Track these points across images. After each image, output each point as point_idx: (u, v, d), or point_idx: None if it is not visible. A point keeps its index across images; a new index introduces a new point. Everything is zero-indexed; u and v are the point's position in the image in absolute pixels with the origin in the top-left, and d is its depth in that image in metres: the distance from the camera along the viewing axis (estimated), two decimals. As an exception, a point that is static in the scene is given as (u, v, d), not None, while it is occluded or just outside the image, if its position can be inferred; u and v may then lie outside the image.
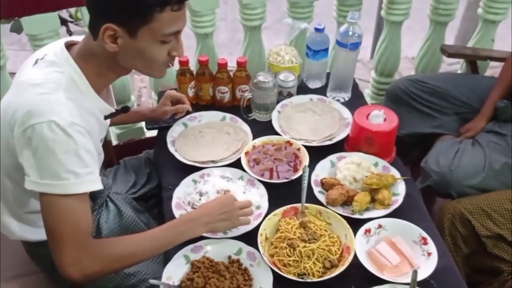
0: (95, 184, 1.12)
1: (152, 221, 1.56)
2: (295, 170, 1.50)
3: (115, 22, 1.08)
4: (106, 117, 1.27)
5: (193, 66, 1.92)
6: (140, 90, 3.39)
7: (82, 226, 1.09)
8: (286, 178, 1.47)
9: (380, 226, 1.33)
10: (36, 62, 1.18)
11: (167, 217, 1.40)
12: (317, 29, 1.76)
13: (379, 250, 1.28)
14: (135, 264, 1.22)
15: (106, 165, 1.72)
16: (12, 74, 1.95)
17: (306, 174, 1.39)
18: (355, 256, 1.24)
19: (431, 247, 1.27)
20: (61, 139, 1.05)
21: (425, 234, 1.30)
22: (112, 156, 1.82)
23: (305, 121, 1.69)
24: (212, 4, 1.98)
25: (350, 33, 1.65)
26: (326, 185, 1.44)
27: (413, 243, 1.30)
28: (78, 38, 1.24)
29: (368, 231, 1.32)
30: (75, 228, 1.08)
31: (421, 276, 1.19)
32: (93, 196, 1.45)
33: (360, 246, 1.27)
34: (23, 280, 1.42)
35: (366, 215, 1.37)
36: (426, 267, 1.23)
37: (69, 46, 1.20)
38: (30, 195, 1.24)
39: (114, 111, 1.28)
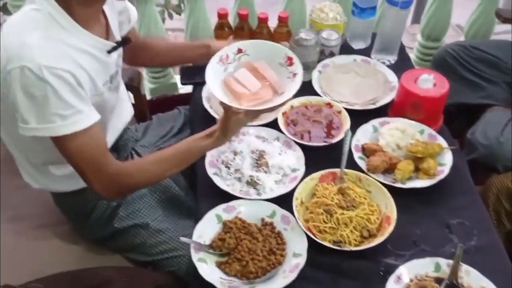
0: (85, 121, 1.06)
1: (180, 176, 1.51)
2: (335, 133, 1.43)
3: None
4: (109, 52, 1.19)
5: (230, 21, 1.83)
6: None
7: (97, 158, 1.10)
8: (325, 142, 1.40)
9: (240, 51, 1.17)
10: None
11: (200, 174, 1.35)
12: (366, -15, 1.64)
13: (237, 77, 1.15)
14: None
15: (139, 120, 1.69)
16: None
17: (348, 138, 1.31)
18: (396, 227, 1.17)
19: (297, 67, 1.14)
20: (37, 84, 0.99)
21: (291, 54, 1.15)
22: (146, 110, 1.77)
23: (347, 83, 1.60)
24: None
25: (403, -11, 1.53)
26: (367, 151, 1.36)
27: (278, 65, 1.16)
28: None
29: (225, 58, 1.17)
30: (91, 163, 1.10)
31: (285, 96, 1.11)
32: (117, 148, 1.42)
33: (215, 75, 1.13)
34: (51, 230, 1.41)
35: (408, 185, 1.29)
36: (290, 90, 1.12)
37: None
38: (40, 145, 1.19)
39: (115, 44, 1.20)
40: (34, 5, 1.06)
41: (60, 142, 1.07)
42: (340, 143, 1.36)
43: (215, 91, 1.11)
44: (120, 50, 1.26)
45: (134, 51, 1.44)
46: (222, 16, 1.63)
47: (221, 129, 1.17)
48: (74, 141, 1.06)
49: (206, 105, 1.51)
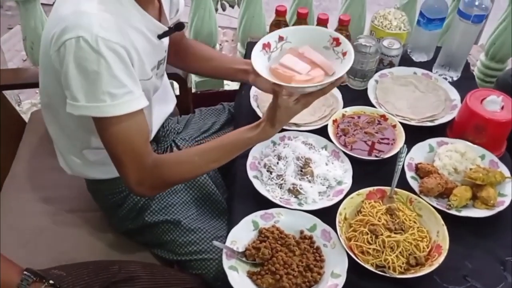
0: (135, 103, 1.00)
1: (218, 174, 1.44)
2: (387, 148, 1.33)
3: None
4: (160, 37, 1.13)
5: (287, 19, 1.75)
6: (222, 43, 3.26)
7: (137, 146, 1.03)
8: (377, 156, 1.30)
9: (281, 39, 1.13)
10: None
11: (239, 176, 1.28)
12: (436, -6, 1.53)
13: (283, 63, 1.09)
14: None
15: (182, 112, 1.63)
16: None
17: (403, 155, 1.22)
18: (446, 258, 1.07)
19: (345, 46, 1.09)
20: (91, 57, 0.92)
21: (336, 34, 1.10)
22: (189, 103, 1.72)
23: (404, 96, 1.49)
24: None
25: (477, 2, 1.42)
26: (421, 171, 1.26)
27: (324, 49, 1.12)
28: None
29: (267, 45, 1.12)
30: (130, 150, 1.03)
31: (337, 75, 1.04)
32: (158, 138, 1.37)
33: (261, 63, 1.09)
34: (80, 215, 1.37)
35: (464, 213, 1.18)
36: (342, 69, 1.05)
37: None
38: (82, 128, 1.14)
39: (167, 29, 1.13)
40: None
41: (104, 124, 0.99)
42: (392, 159, 1.27)
43: (264, 74, 1.05)
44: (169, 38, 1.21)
45: (177, 50, 1.38)
46: (280, 13, 1.56)
47: (269, 118, 1.09)
48: (119, 125, 0.99)
49: (254, 104, 1.43)
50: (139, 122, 1.02)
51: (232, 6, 2.59)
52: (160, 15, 1.15)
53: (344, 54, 1.08)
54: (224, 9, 2.59)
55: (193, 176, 1.23)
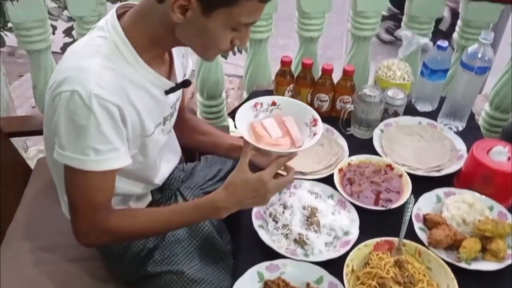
0: (118, 161, 1.03)
1: (223, 225, 1.42)
2: (394, 198, 1.32)
3: None
4: (167, 92, 1.14)
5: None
6: (228, 91, 3.30)
7: (96, 200, 1.06)
8: (383, 206, 1.29)
9: (274, 104, 1.26)
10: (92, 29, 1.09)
11: (244, 225, 1.26)
12: (439, 47, 1.56)
13: (263, 124, 1.22)
14: (144, 238, 1.25)
15: (187, 159, 1.63)
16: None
17: (411, 205, 1.20)
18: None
19: (318, 128, 1.19)
20: (82, 112, 0.95)
21: (316, 116, 1.22)
22: (195, 151, 1.72)
23: (410, 146, 1.49)
24: (324, 6, 1.84)
25: (480, 55, 1.44)
26: (429, 222, 1.24)
27: (304, 125, 1.23)
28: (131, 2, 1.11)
29: (259, 104, 1.26)
30: (88, 202, 1.05)
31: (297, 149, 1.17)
32: (162, 188, 1.36)
33: (244, 117, 1.22)
34: (82, 265, 1.34)
35: (474, 266, 1.16)
36: (306, 145, 1.17)
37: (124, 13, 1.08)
38: None
39: (174, 85, 1.14)
40: (102, 32, 1.03)
41: (75, 173, 1.02)
42: (399, 209, 1.26)
43: (240, 128, 1.18)
44: (179, 92, 1.22)
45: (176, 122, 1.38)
46: (286, 63, 1.58)
47: (226, 185, 1.13)
48: (87, 178, 1.02)
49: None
50: (108, 180, 1.05)
51: (234, 53, 2.64)
52: (170, 72, 1.17)
53: (314, 134, 1.19)
54: (225, 57, 2.64)
55: (141, 234, 1.20)
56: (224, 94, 2.15)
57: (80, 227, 1.08)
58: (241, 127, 1.18)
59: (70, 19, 2.72)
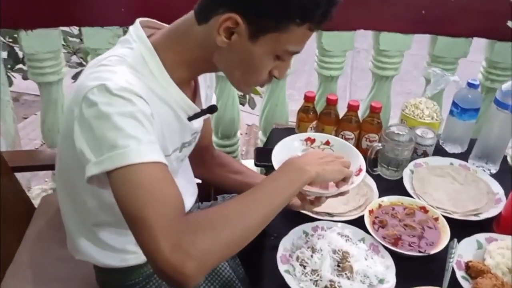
0: (161, 156, 0.84)
1: (241, 269, 1.30)
2: (431, 243, 1.21)
3: (243, 16, 0.87)
4: (190, 119, 1.05)
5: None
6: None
7: (170, 199, 0.82)
8: (421, 252, 1.18)
9: (328, 143, 1.25)
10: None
11: (267, 270, 1.14)
12: (470, 85, 1.49)
13: None
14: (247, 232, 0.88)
15: (203, 198, 1.53)
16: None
17: (454, 251, 1.09)
18: None
19: (358, 179, 1.12)
20: (114, 101, 0.82)
21: (364, 166, 1.15)
22: (211, 190, 1.63)
23: (443, 188, 1.40)
24: (346, 45, 1.79)
25: (516, 92, 1.37)
26: (473, 271, 1.12)
27: None
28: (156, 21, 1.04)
29: (311, 140, 1.24)
30: (160, 204, 0.80)
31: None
32: None
33: (290, 147, 1.21)
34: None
35: (525, 319, 1.04)
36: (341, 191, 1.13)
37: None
38: (96, 200, 1.04)
39: (199, 110, 1.05)
40: (126, 43, 0.96)
41: (124, 176, 0.81)
42: (438, 255, 1.15)
43: (279, 155, 1.13)
44: (201, 122, 1.14)
45: (203, 158, 1.35)
46: (309, 99, 1.51)
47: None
48: (145, 174, 0.81)
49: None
50: (167, 175, 0.85)
51: (243, 104, 2.61)
52: (194, 98, 1.09)
53: (352, 183, 1.13)
54: (243, 104, 2.63)
55: (243, 225, 0.88)
56: (239, 134, 2.07)
57: (164, 242, 0.77)
58: (278, 156, 1.13)
59: (79, 65, 2.72)
